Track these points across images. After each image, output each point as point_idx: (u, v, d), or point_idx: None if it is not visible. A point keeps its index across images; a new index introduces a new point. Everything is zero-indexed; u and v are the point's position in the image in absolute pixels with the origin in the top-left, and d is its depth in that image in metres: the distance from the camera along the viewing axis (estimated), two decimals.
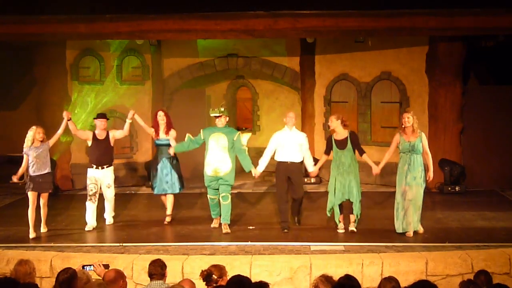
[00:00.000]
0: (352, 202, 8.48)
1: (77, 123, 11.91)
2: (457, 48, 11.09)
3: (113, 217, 9.38)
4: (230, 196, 8.75)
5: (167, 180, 9.15)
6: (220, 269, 5.34)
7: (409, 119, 8.16)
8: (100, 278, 5.34)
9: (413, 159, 8.19)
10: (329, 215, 8.72)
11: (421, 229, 8.43)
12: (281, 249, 7.83)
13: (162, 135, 9.16)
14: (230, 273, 5.29)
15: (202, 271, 5.31)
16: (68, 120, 8.82)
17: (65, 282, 5.11)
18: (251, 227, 8.91)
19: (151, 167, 9.59)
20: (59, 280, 5.14)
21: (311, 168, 8.93)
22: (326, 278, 4.84)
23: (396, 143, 8.33)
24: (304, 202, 9.28)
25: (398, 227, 8.34)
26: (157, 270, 5.36)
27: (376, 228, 9.04)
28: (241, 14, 10.06)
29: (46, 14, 10.09)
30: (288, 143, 8.67)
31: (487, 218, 9.22)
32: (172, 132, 9.16)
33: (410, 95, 11.69)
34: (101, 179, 9.00)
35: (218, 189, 8.75)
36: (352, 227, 8.61)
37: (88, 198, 8.95)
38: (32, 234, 8.49)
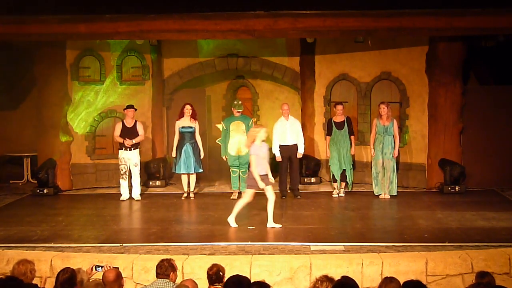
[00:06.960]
0: (345, 172, 10.88)
1: (77, 122, 12.00)
2: (457, 48, 11.08)
3: (114, 217, 9.73)
4: (248, 171, 10.50)
5: (187, 163, 10.77)
6: (222, 267, 5.40)
7: (384, 109, 10.63)
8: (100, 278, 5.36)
9: (386, 139, 10.66)
10: (332, 182, 11.17)
11: (391, 193, 10.70)
12: (281, 249, 7.82)
13: (186, 123, 10.83)
14: (230, 273, 5.31)
15: (211, 270, 5.33)
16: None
17: (65, 282, 5.13)
18: (251, 227, 8.92)
19: (176, 149, 11.01)
20: (59, 280, 5.16)
21: (301, 149, 10.85)
22: (327, 278, 4.85)
23: (375, 126, 10.74)
24: (304, 203, 10.46)
25: (375, 191, 10.83)
26: (161, 270, 5.42)
27: (376, 228, 9.07)
28: (241, 14, 10.06)
29: (46, 14, 10.09)
30: (286, 130, 10.78)
31: (487, 218, 9.22)
32: (197, 124, 10.92)
33: (410, 95, 11.68)
34: (130, 159, 10.77)
35: (238, 166, 10.83)
36: (341, 193, 10.97)
37: (121, 176, 10.85)
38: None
